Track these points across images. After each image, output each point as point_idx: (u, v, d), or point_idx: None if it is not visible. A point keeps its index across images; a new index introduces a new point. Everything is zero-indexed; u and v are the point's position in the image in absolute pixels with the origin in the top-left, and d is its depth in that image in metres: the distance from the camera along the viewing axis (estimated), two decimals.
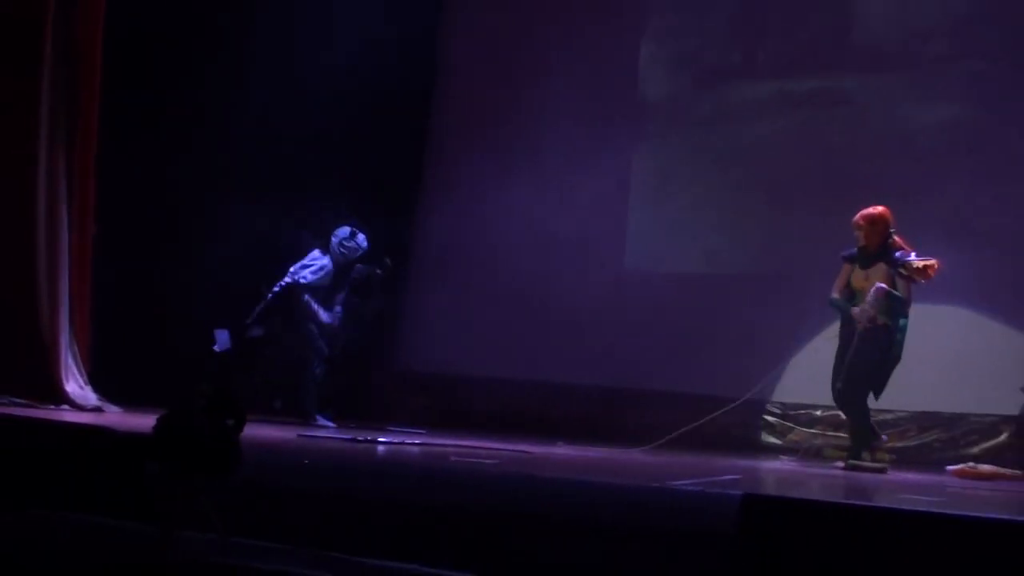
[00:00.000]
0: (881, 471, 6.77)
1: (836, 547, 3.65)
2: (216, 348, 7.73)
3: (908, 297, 6.75)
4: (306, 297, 7.79)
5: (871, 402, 6.97)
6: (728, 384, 8.68)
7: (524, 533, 3.92)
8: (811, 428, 8.54)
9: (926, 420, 8.18)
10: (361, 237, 7.96)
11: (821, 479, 6.03)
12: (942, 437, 8.04)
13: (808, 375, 8.42)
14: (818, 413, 8.53)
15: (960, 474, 6.85)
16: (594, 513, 4.08)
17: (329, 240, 7.95)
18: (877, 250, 6.81)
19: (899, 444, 8.17)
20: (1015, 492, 6.05)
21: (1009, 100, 8.26)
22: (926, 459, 7.93)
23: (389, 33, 9.26)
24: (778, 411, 8.66)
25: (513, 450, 6.31)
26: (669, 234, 9.16)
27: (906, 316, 6.75)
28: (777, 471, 6.50)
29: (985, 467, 6.95)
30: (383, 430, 7.58)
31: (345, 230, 7.91)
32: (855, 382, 6.71)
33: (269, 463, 4.58)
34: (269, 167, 9.01)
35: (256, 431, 5.15)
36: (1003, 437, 7.92)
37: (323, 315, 7.84)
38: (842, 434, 8.26)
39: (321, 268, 7.87)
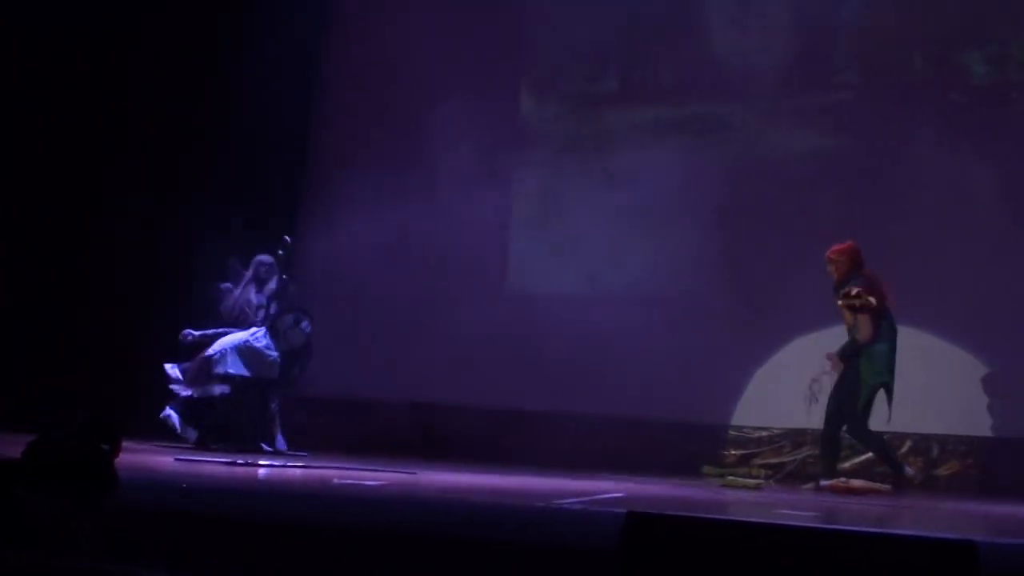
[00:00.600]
0: (758, 487, 6.90)
1: (716, 563, 3.69)
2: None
3: (872, 325, 6.77)
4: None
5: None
6: (611, 403, 8.80)
7: (408, 554, 3.88)
8: (691, 447, 8.66)
9: (800, 437, 8.38)
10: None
11: (702, 496, 6.11)
12: (815, 453, 8.24)
13: (688, 395, 8.56)
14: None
15: (833, 489, 7.03)
16: (478, 533, 4.05)
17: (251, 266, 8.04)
18: (843, 284, 6.93)
19: (774, 460, 8.36)
20: (885, 506, 6.22)
21: (874, 129, 8.55)
22: (801, 475, 8.13)
23: (268, 51, 9.15)
24: (661, 430, 8.76)
25: (397, 472, 6.25)
26: (551, 257, 9.22)
27: (880, 341, 6.78)
28: (661, 489, 6.57)
29: (856, 482, 7.12)
30: (266, 453, 7.43)
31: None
32: (836, 416, 6.86)
33: (145, 487, 4.44)
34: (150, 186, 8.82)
35: (137, 457, 4.99)
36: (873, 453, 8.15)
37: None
38: (720, 452, 8.42)
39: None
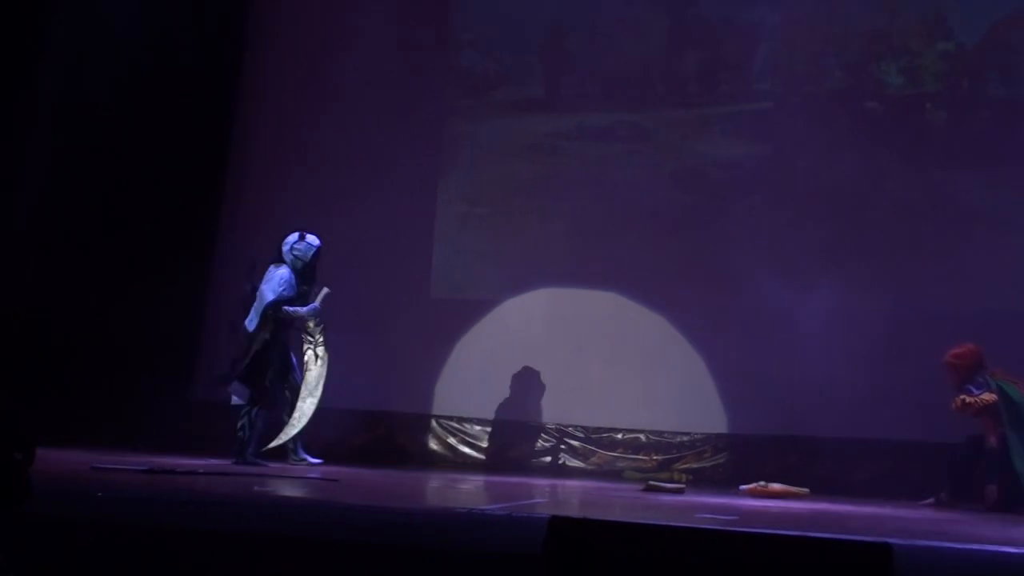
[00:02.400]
0: (679, 491, 6.97)
1: (639, 566, 3.72)
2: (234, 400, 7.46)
3: (993, 426, 6.75)
4: (272, 314, 7.51)
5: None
6: (536, 409, 8.84)
7: (330, 560, 3.84)
8: (613, 451, 8.73)
9: (721, 442, 8.48)
10: (311, 237, 7.72)
11: (623, 500, 6.15)
12: (735, 458, 8.34)
13: (610, 400, 8.62)
14: (619, 436, 8.74)
15: (752, 492, 7.12)
16: (400, 539, 4.03)
17: (281, 254, 7.71)
18: (960, 388, 6.91)
19: (695, 465, 8.45)
20: (803, 509, 6.32)
21: (793, 137, 8.70)
22: (721, 478, 8.22)
23: (185, 62, 9.07)
24: (581, 435, 8.81)
25: (319, 478, 6.18)
26: (474, 262, 9.21)
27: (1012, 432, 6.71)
28: (582, 493, 6.59)
29: (775, 485, 7.23)
30: (186, 461, 7.30)
31: (293, 235, 7.70)
32: None
33: (60, 496, 4.33)
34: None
35: (54, 465, 4.87)
36: (791, 457, 8.29)
37: (304, 311, 7.53)
38: (642, 457, 8.48)
39: (281, 279, 7.56)
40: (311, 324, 7.51)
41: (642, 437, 8.68)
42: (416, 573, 3.81)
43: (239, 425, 7.40)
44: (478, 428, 8.95)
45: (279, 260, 7.59)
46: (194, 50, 9.41)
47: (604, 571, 3.70)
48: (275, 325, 7.44)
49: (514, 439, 8.85)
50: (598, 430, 8.77)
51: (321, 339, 7.51)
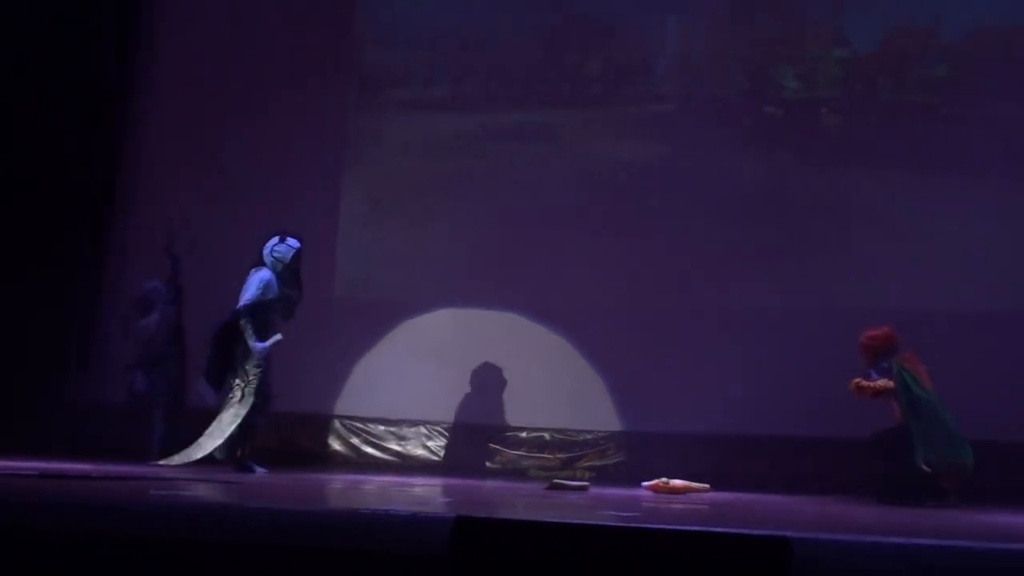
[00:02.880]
0: (583, 489, 7.01)
1: (544, 564, 3.74)
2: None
3: (900, 408, 6.83)
4: (243, 321, 7.31)
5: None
6: (444, 409, 8.81)
7: (230, 564, 3.78)
8: (517, 450, 8.75)
9: (623, 439, 8.57)
10: (292, 239, 7.59)
11: (529, 499, 6.17)
12: (637, 455, 8.43)
13: (516, 399, 8.65)
14: (523, 435, 8.77)
15: (654, 489, 7.21)
16: (305, 540, 3.98)
17: (262, 257, 7.59)
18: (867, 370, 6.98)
19: (599, 463, 8.52)
20: (704, 504, 6.41)
21: (694, 139, 8.83)
22: (624, 476, 8.29)
23: (77, 53, 8.85)
24: (485, 434, 8.82)
25: (220, 480, 6.08)
26: (378, 261, 9.15)
27: (915, 419, 6.73)
28: (487, 492, 6.59)
29: (677, 481, 7.32)
30: (77, 463, 7.11)
31: (274, 238, 7.58)
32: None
33: None
34: None
35: None
36: (693, 453, 8.39)
37: (255, 343, 7.30)
38: (546, 455, 8.53)
39: (260, 281, 7.41)
40: (249, 363, 7.34)
41: (546, 435, 8.73)
42: (319, 575, 3.77)
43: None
44: (382, 428, 8.89)
45: (259, 263, 7.51)
46: (85, 43, 9.18)
47: (510, 570, 3.71)
48: (253, 329, 7.31)
49: (419, 439, 8.83)
50: (502, 429, 8.80)
51: (254, 381, 7.32)
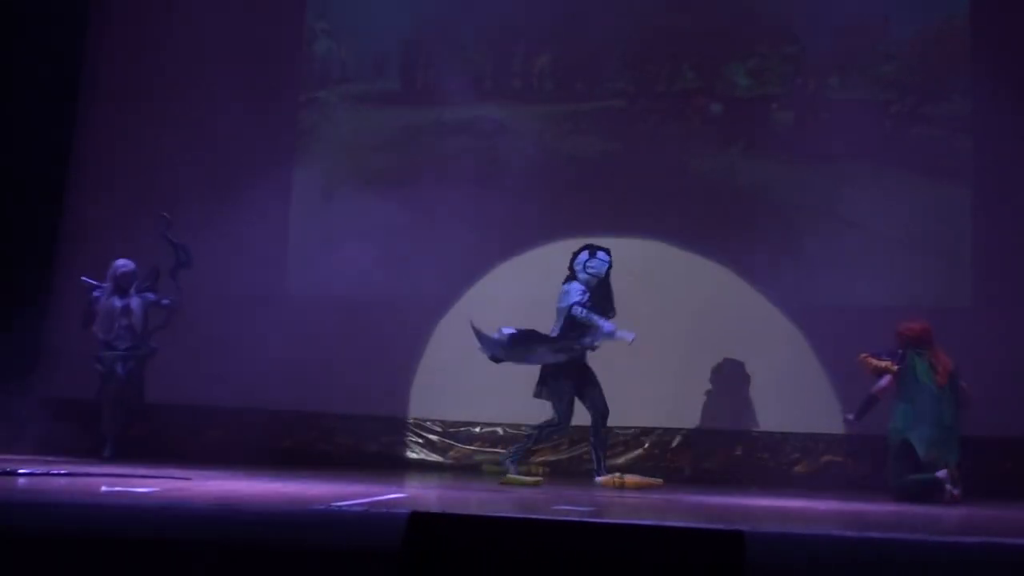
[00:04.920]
0: (537, 484, 7.01)
1: (499, 559, 3.72)
2: None
3: (895, 387, 7.10)
4: (583, 314, 7.27)
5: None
6: (392, 404, 8.77)
7: (183, 561, 3.72)
8: (470, 445, 8.73)
9: (577, 434, 8.56)
10: (602, 253, 7.49)
11: (482, 494, 6.15)
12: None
13: (467, 394, 8.62)
14: (477, 430, 8.75)
15: (608, 484, 7.22)
16: (255, 538, 3.92)
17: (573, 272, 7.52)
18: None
19: (552, 458, 8.53)
20: (657, 499, 6.43)
21: (646, 135, 8.86)
22: (577, 471, 8.32)
23: (26, 53, 8.70)
24: (439, 429, 8.79)
25: (170, 477, 6.00)
26: (330, 257, 9.08)
27: (901, 401, 7.04)
28: (441, 488, 6.57)
29: (630, 477, 7.35)
30: (28, 460, 6.99)
31: (584, 253, 7.52)
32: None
33: None
34: None
35: None
36: (644, 448, 8.45)
37: (602, 323, 7.29)
38: (499, 450, 8.51)
39: (575, 290, 7.40)
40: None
41: (499, 431, 8.72)
42: (271, 573, 3.72)
43: (527, 434, 7.46)
44: (335, 424, 8.82)
45: (571, 278, 7.46)
46: (35, 41, 9.02)
47: (464, 566, 3.69)
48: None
49: (372, 434, 8.77)
50: (455, 424, 8.77)
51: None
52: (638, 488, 7.15)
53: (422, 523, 3.77)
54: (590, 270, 7.47)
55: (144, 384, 8.24)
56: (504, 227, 8.82)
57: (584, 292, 7.34)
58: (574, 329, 7.28)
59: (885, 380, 7.09)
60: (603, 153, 8.94)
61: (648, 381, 8.26)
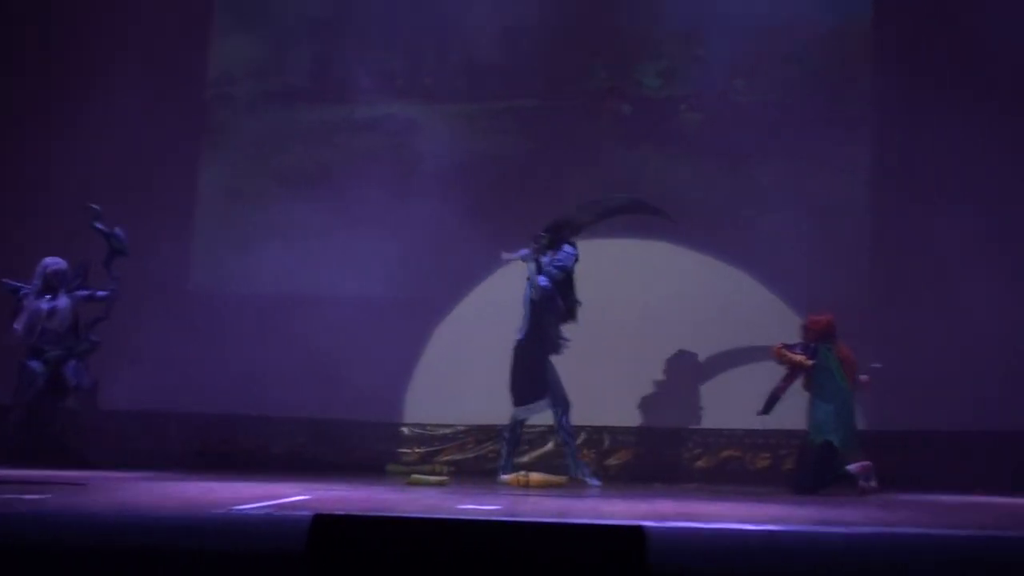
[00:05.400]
0: (442, 484, 7.03)
1: (404, 560, 3.73)
2: None
3: (809, 382, 7.34)
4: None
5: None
6: (297, 405, 8.69)
7: (81, 569, 3.65)
8: (378, 445, 8.70)
9: (482, 433, 8.62)
10: (568, 247, 7.57)
11: (387, 495, 6.15)
12: (496, 448, 8.49)
13: (370, 393, 8.59)
14: (384, 431, 8.73)
15: (513, 482, 7.27)
16: (153, 543, 3.87)
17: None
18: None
19: (458, 457, 8.55)
20: (563, 496, 6.50)
21: (557, 135, 8.93)
22: (482, 469, 8.35)
23: None
24: (340, 430, 8.75)
25: (64, 482, 5.88)
26: (236, 255, 8.97)
27: (820, 400, 7.22)
28: (345, 489, 6.55)
29: (536, 475, 7.40)
30: None
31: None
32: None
33: None
34: None
35: None
36: (550, 446, 8.53)
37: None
38: (404, 450, 8.52)
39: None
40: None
41: (404, 431, 8.71)
42: None
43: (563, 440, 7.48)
44: (234, 425, 8.71)
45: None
46: None
47: (370, 568, 3.69)
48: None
49: (274, 435, 8.69)
50: (361, 424, 8.73)
51: None
52: (542, 486, 7.21)
53: (326, 525, 3.76)
54: (557, 263, 7.53)
55: (97, 388, 7.96)
56: (414, 225, 8.80)
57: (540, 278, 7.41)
58: (543, 317, 7.29)
59: (793, 374, 7.25)
60: (514, 153, 8.97)
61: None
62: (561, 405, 7.46)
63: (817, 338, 7.26)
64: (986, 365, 7.90)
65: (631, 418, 8.48)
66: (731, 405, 8.19)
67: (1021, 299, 8.05)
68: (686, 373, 8.34)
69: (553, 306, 7.42)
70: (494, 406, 8.47)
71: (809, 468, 7.08)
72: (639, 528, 3.78)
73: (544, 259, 7.52)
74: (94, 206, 7.90)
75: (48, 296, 7.88)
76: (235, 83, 9.35)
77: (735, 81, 8.92)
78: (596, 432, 8.49)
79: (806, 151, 8.61)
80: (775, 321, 7.83)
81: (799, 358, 7.25)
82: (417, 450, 8.59)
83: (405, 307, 8.67)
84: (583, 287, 7.62)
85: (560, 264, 7.49)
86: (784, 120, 8.72)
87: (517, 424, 7.52)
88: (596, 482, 7.44)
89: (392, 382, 8.47)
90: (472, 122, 9.08)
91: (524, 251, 7.53)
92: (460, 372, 8.58)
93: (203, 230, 9.11)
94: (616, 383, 8.49)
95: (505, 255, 7.58)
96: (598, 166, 8.80)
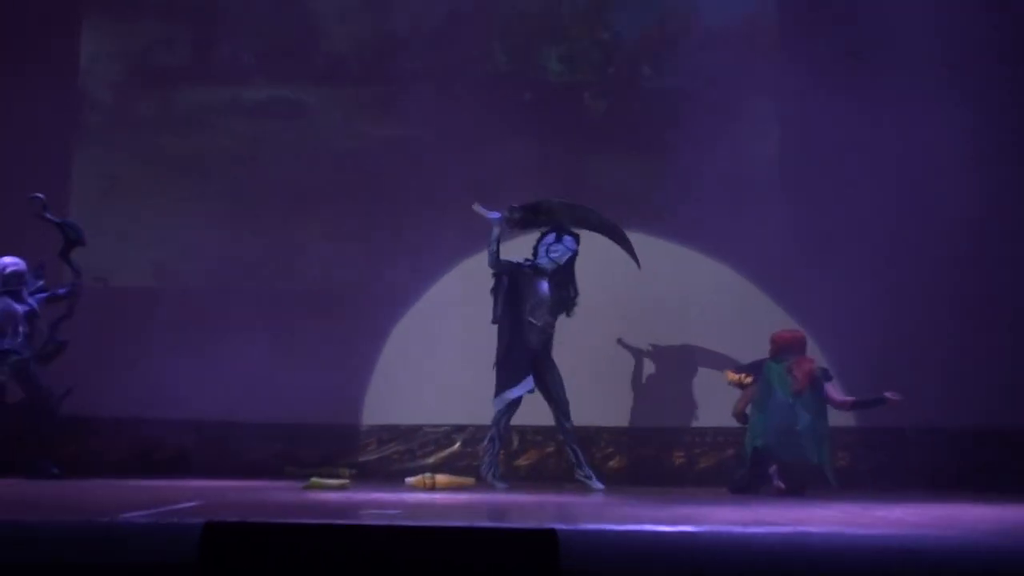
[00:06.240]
0: (344, 487, 6.96)
1: (302, 568, 3.67)
2: None
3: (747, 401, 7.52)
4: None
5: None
6: (184, 404, 8.50)
7: None
8: (255, 444, 8.56)
9: (385, 433, 8.56)
10: (568, 239, 7.59)
11: (284, 500, 6.07)
12: (400, 449, 8.44)
13: (268, 392, 8.47)
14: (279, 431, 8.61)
15: (418, 484, 7.23)
16: (28, 556, 3.75)
17: None
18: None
19: (361, 459, 8.48)
20: (469, 499, 6.49)
21: (452, 120, 8.88)
22: (386, 471, 8.31)
23: None
24: (238, 432, 8.60)
25: None
26: (115, 245, 8.75)
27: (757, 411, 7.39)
28: (239, 494, 6.44)
29: (441, 476, 7.39)
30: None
31: (549, 236, 7.56)
32: None
33: None
34: None
35: None
36: (456, 446, 8.50)
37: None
38: (303, 450, 8.42)
39: None
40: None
41: (302, 431, 8.56)
42: None
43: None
44: (120, 426, 8.50)
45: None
46: None
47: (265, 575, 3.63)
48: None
49: (163, 437, 8.49)
50: (260, 427, 8.58)
51: None
52: (449, 488, 7.19)
53: (218, 533, 3.68)
54: (552, 255, 7.52)
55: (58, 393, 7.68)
56: (306, 212, 8.67)
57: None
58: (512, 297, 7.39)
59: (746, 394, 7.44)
60: (409, 139, 8.92)
61: (461, 375, 8.29)
62: (555, 403, 7.46)
63: (778, 351, 7.45)
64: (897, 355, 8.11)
65: (539, 416, 8.45)
66: (645, 403, 8.28)
67: (926, 287, 8.29)
68: (600, 369, 8.37)
69: (528, 289, 7.44)
70: (401, 403, 8.44)
71: (744, 469, 7.31)
72: (551, 531, 3.79)
73: (546, 239, 7.56)
74: (38, 195, 7.62)
75: (12, 299, 7.60)
76: (113, 60, 9.10)
77: (641, 68, 8.98)
78: (479, 430, 8.47)
79: (711, 141, 8.69)
80: (684, 316, 7.93)
81: (738, 377, 7.52)
82: (316, 451, 8.47)
83: (298, 297, 8.56)
84: None
85: (554, 256, 7.55)
86: (691, 109, 8.80)
87: (497, 418, 7.46)
88: (599, 485, 7.41)
89: (290, 380, 8.34)
90: (365, 107, 9.00)
91: (496, 214, 7.52)
92: (361, 368, 8.48)
93: (79, 219, 8.85)
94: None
95: (478, 207, 7.50)
96: (498, 154, 8.78)
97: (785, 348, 7.45)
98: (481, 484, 7.44)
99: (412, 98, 8.98)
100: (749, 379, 7.48)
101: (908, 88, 8.49)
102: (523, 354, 7.38)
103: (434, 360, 8.43)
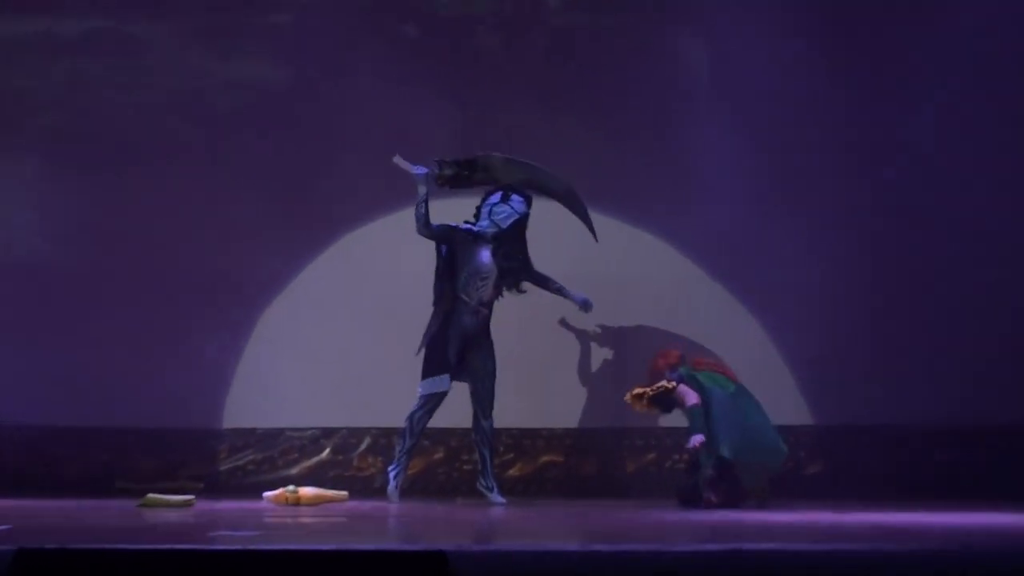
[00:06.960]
0: (188, 504, 6.92)
1: None
2: None
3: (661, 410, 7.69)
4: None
5: None
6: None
7: None
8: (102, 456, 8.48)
9: (239, 439, 8.50)
10: (517, 197, 7.67)
11: (114, 521, 6.03)
12: (256, 458, 8.39)
13: (95, 390, 8.37)
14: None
15: (278, 500, 7.20)
16: None
17: None
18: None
19: (209, 470, 8.43)
20: (345, 515, 6.51)
21: (319, 61, 8.85)
22: (240, 485, 8.29)
23: None
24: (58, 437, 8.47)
25: None
26: None
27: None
28: (56, 514, 6.38)
29: (307, 490, 7.38)
30: None
31: (494, 196, 7.66)
32: None
33: None
34: None
35: None
36: (325, 453, 8.48)
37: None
38: (138, 460, 8.34)
39: None
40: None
41: (137, 437, 8.48)
42: None
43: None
44: None
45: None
46: None
47: None
48: None
49: None
50: (84, 432, 8.47)
51: None
52: (316, 504, 7.20)
53: (31, 560, 3.67)
54: (496, 216, 7.58)
55: None
56: (141, 166, 8.63)
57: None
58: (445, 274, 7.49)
59: (692, 397, 7.48)
60: (265, 80, 8.89)
61: (332, 369, 8.35)
62: (476, 396, 7.53)
63: (666, 373, 7.61)
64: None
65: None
66: (551, 403, 8.40)
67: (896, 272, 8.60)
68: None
69: (464, 258, 7.50)
70: (253, 405, 8.40)
71: (691, 479, 7.42)
72: (441, 553, 3.84)
73: (491, 199, 7.64)
74: None
75: None
76: None
77: None
78: (381, 435, 8.49)
79: (627, 82, 8.76)
80: (601, 293, 8.05)
81: (655, 387, 7.53)
82: (153, 462, 8.38)
83: (131, 278, 8.47)
84: None
85: (497, 218, 7.60)
86: (606, 48, 8.87)
87: (413, 411, 7.50)
88: (501, 499, 7.48)
89: (122, 377, 8.25)
90: (211, 41, 8.93)
91: (421, 169, 7.50)
92: (214, 363, 8.48)
93: None
94: (405, 376, 8.46)
95: (399, 160, 7.47)
96: (373, 98, 8.77)
97: (670, 364, 7.62)
98: (357, 498, 7.47)
99: (262, 31, 8.91)
100: (672, 384, 7.51)
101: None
102: (451, 338, 7.42)
103: (301, 352, 8.40)
